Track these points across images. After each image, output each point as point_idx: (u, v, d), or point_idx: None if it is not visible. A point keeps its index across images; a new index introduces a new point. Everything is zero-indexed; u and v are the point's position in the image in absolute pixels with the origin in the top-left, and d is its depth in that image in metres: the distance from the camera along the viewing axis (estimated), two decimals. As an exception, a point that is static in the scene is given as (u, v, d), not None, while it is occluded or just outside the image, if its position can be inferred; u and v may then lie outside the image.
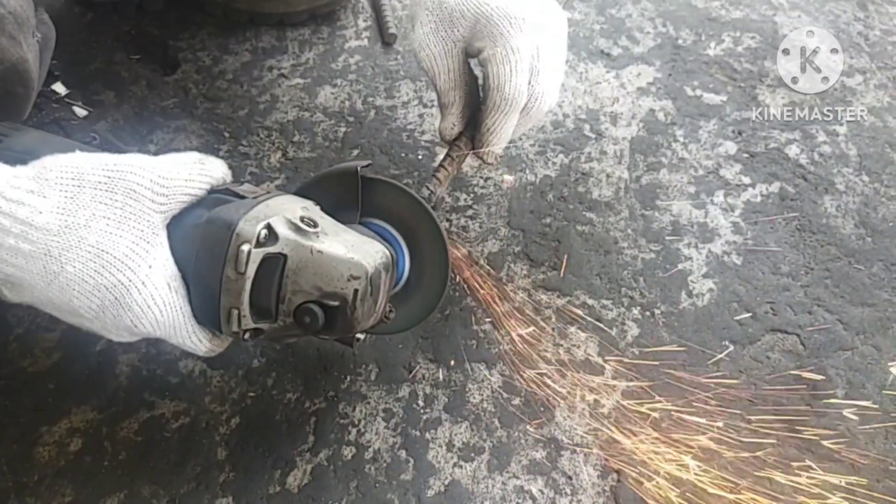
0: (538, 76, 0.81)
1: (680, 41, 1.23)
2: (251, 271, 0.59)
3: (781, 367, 0.87)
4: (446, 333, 0.90)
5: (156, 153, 1.06)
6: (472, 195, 1.03)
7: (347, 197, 0.73)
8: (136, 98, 1.13)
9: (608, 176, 1.06)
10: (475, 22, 0.78)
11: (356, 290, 0.60)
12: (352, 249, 0.62)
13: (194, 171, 0.62)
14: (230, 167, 0.68)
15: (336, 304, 0.61)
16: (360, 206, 0.74)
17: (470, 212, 1.02)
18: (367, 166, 0.73)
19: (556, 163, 1.07)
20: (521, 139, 1.09)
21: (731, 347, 0.89)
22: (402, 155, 1.08)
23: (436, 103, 1.13)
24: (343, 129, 1.11)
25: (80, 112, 1.05)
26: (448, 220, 1.01)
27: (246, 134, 1.10)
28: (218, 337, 0.65)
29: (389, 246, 0.70)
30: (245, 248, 0.57)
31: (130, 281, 0.57)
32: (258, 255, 0.59)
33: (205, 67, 1.18)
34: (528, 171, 1.06)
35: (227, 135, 1.10)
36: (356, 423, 0.83)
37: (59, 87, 1.02)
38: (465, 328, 0.90)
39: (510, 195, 1.03)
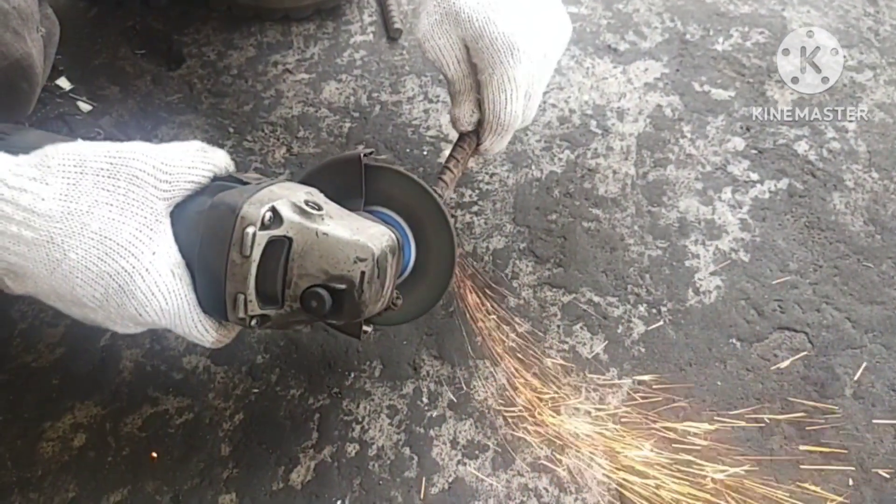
0: (531, 100, 0.83)
1: (688, 36, 1.22)
2: (256, 254, 0.58)
3: (789, 365, 0.87)
4: (451, 330, 0.90)
5: (160, 148, 1.07)
6: (477, 191, 1.03)
7: (351, 185, 0.73)
8: (141, 93, 1.13)
9: (615, 172, 1.05)
10: (479, 36, 0.78)
11: (363, 273, 0.60)
12: (357, 232, 0.61)
13: (197, 159, 0.62)
14: (234, 160, 0.67)
15: (343, 287, 0.60)
16: (364, 194, 0.73)
17: (475, 208, 1.01)
18: (369, 154, 0.73)
19: (562, 159, 1.06)
20: (526, 135, 1.09)
21: (739, 345, 0.88)
22: (407, 150, 1.07)
23: (441, 99, 1.13)
24: (348, 125, 1.10)
25: (85, 107, 1.05)
26: (453, 216, 1.00)
27: (250, 129, 1.10)
28: (224, 326, 0.65)
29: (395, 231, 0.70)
30: (250, 230, 0.57)
31: (134, 268, 0.56)
32: (263, 237, 0.58)
33: (209, 62, 1.18)
34: (533, 167, 1.05)
35: (231, 130, 1.09)
36: (360, 419, 0.83)
37: (64, 82, 1.02)
38: (470, 325, 0.90)
39: (515, 191, 1.03)
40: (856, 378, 0.86)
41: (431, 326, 0.90)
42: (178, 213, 0.61)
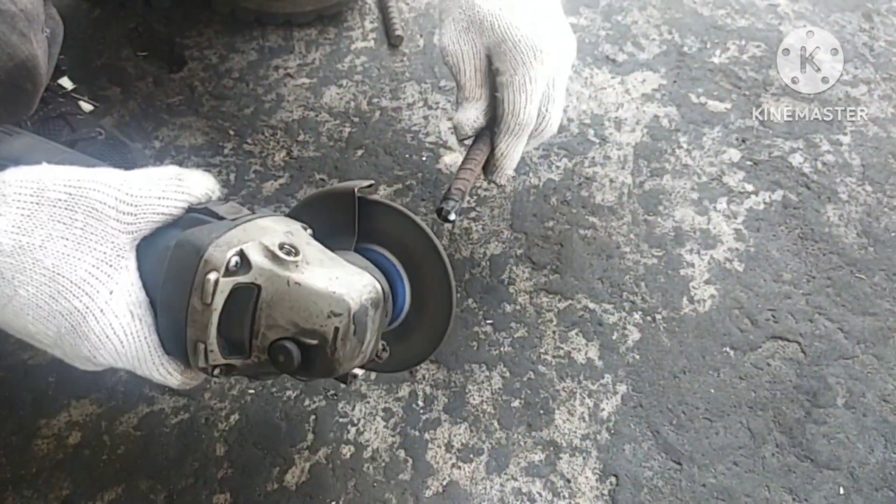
0: (551, 104, 0.84)
1: (685, 48, 1.23)
2: (218, 303, 0.52)
3: (782, 374, 0.87)
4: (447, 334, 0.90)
5: (161, 150, 1.08)
6: (475, 197, 1.04)
7: (344, 220, 0.66)
8: (143, 94, 1.14)
9: (611, 181, 1.06)
10: (501, 41, 0.80)
11: (337, 328, 0.54)
12: (335, 282, 0.55)
13: (169, 188, 0.56)
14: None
15: (314, 342, 0.54)
16: (357, 232, 0.66)
17: (473, 214, 1.02)
18: (368, 187, 0.66)
19: (560, 167, 1.07)
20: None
21: (732, 354, 0.89)
22: (407, 156, 1.08)
23: (440, 106, 1.14)
24: (348, 130, 1.11)
25: (87, 107, 1.05)
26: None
27: (251, 132, 1.10)
28: (191, 368, 0.59)
29: (387, 276, 0.66)
30: (212, 276, 0.51)
31: (87, 308, 0.52)
32: (227, 284, 0.52)
33: (211, 65, 1.19)
34: (531, 175, 1.06)
35: (231, 133, 1.10)
36: (355, 422, 0.83)
37: (66, 82, 1.02)
38: (466, 329, 0.91)
39: (513, 198, 1.03)
40: (847, 388, 0.86)
41: (428, 330, 0.90)
42: (147, 247, 0.56)
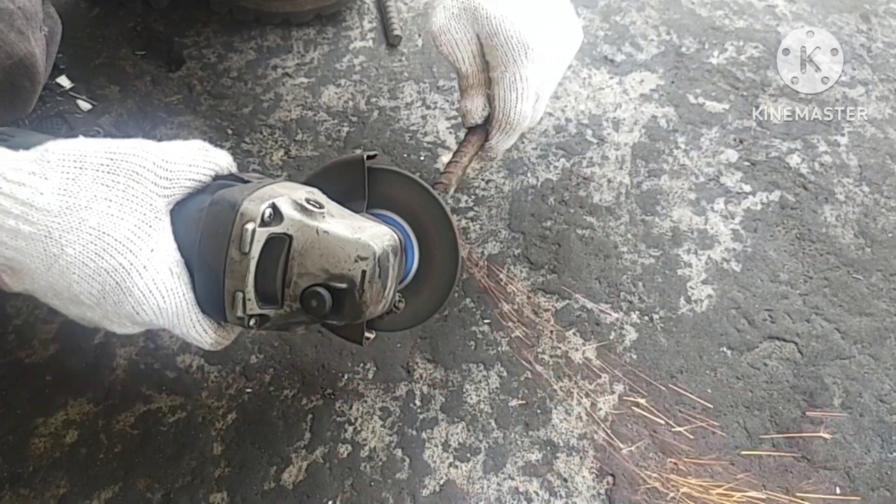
0: (539, 101, 0.84)
1: (683, 49, 1.23)
2: (256, 251, 0.57)
3: (778, 374, 0.88)
4: (445, 333, 0.90)
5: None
6: (473, 197, 1.04)
7: (354, 187, 0.72)
8: (141, 93, 1.14)
9: (609, 181, 1.06)
10: (493, 34, 0.78)
11: (364, 272, 0.59)
12: (359, 230, 0.60)
13: (199, 157, 0.61)
14: (235, 161, 0.68)
15: (343, 286, 0.59)
16: (367, 197, 0.72)
17: (471, 213, 1.02)
18: (373, 156, 0.72)
19: (558, 167, 1.08)
20: (522, 142, 1.10)
21: (729, 354, 0.89)
22: (405, 156, 1.08)
23: (438, 105, 1.14)
24: (346, 129, 1.11)
25: (85, 106, 1.05)
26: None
27: (249, 132, 1.10)
28: (223, 328, 0.64)
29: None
30: (249, 226, 0.56)
31: (132, 264, 0.55)
32: (263, 234, 0.57)
33: (209, 65, 1.19)
34: (529, 175, 1.06)
35: (230, 132, 1.10)
36: (353, 421, 0.83)
37: (64, 81, 1.02)
38: (463, 329, 0.91)
39: (511, 198, 1.04)
40: (844, 388, 0.87)
41: (425, 330, 0.90)
42: (178, 212, 0.60)
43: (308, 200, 0.60)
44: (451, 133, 1.10)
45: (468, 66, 0.82)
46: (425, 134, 1.11)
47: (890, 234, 1.01)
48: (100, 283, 0.56)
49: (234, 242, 0.57)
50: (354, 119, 1.12)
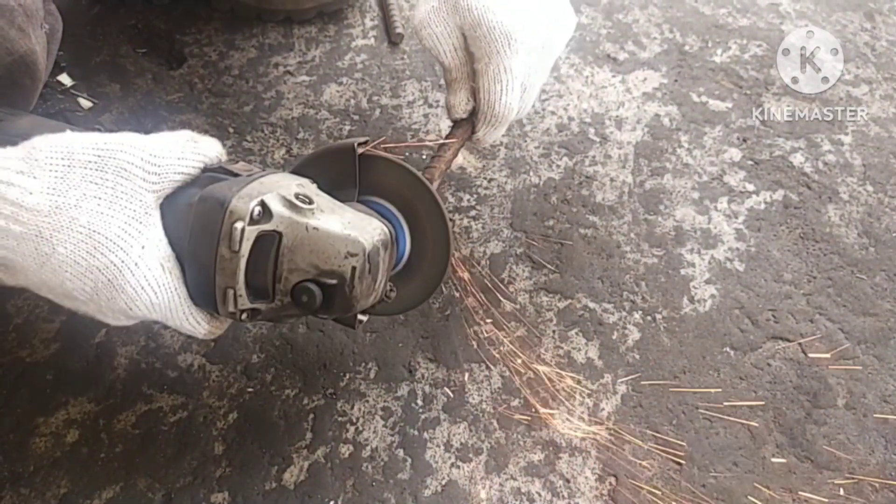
0: (527, 92, 0.82)
1: (686, 47, 1.23)
2: (245, 249, 0.57)
3: (782, 375, 0.87)
4: (447, 333, 0.90)
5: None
6: (475, 196, 1.03)
7: (345, 175, 0.71)
8: (142, 91, 1.13)
9: (612, 180, 1.06)
10: (475, 25, 0.77)
11: (354, 268, 0.59)
12: (348, 226, 0.60)
13: (187, 150, 0.61)
14: (229, 155, 0.67)
15: (334, 282, 0.59)
16: (358, 184, 0.72)
17: (473, 213, 1.02)
18: (364, 143, 0.72)
19: (560, 165, 1.07)
20: (524, 141, 1.09)
21: (732, 354, 0.89)
22: (407, 154, 1.07)
23: (441, 104, 1.13)
24: (348, 127, 1.11)
25: (86, 104, 1.05)
26: (451, 220, 1.00)
27: (250, 130, 1.10)
28: (216, 318, 0.64)
29: (389, 224, 0.69)
30: (238, 225, 0.56)
31: (123, 262, 0.56)
32: (252, 232, 0.57)
33: (211, 63, 1.18)
34: (531, 174, 1.06)
35: (231, 130, 1.10)
36: (354, 420, 0.83)
37: (65, 79, 1.02)
38: (465, 328, 0.90)
39: (513, 197, 1.03)
40: (848, 389, 0.86)
41: (427, 329, 0.90)
42: (168, 205, 0.60)
43: (297, 196, 0.60)
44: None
45: (450, 59, 0.82)
46: (427, 132, 1.10)
47: (894, 234, 1.00)
48: (92, 280, 0.56)
49: (223, 241, 0.57)
50: (356, 117, 1.12)
